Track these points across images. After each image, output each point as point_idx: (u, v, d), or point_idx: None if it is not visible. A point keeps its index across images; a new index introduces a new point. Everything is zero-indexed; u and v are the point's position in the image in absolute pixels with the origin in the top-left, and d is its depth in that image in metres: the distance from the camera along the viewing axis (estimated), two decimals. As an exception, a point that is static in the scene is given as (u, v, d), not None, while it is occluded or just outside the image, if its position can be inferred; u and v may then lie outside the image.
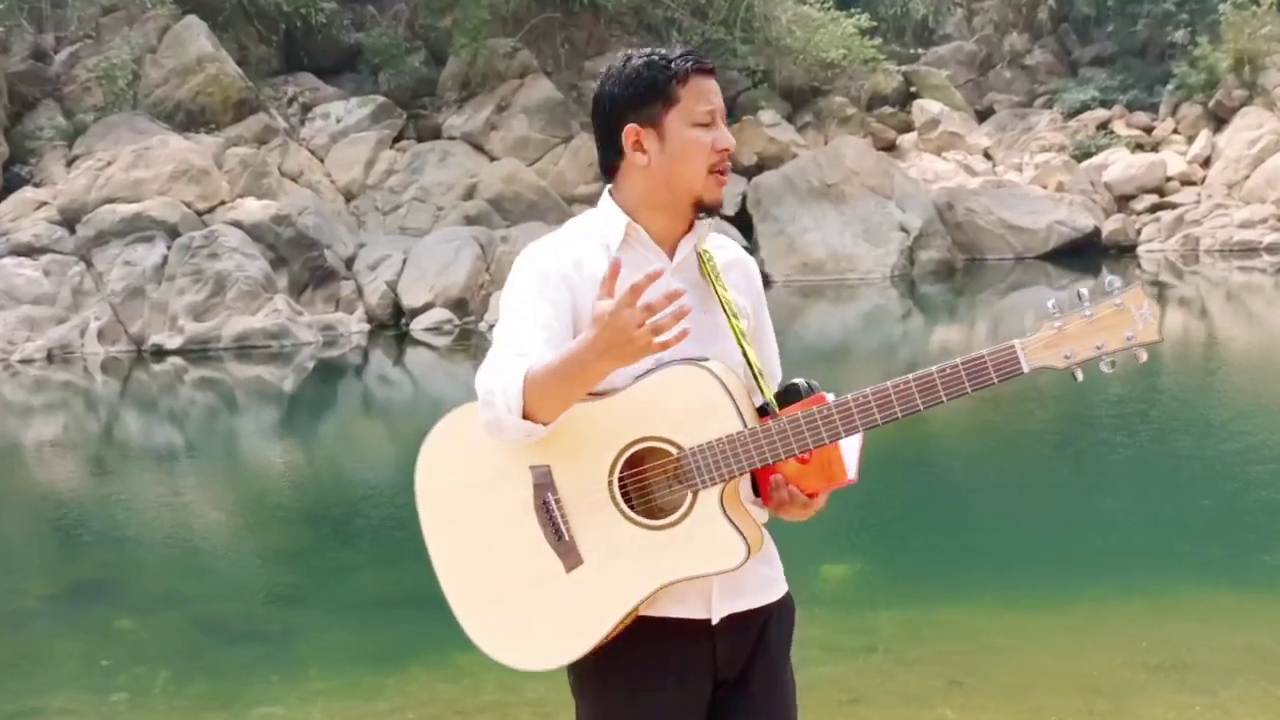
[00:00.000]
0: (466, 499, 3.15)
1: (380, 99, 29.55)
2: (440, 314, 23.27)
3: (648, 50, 3.19)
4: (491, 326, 22.76)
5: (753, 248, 25.82)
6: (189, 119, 27.06)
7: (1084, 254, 28.75)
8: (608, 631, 3.06)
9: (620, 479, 3.03)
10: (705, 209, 3.19)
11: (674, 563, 3.02)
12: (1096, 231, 29.61)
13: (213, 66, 27.61)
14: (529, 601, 3.11)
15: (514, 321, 3.09)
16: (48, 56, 29.03)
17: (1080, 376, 2.95)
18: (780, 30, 32.85)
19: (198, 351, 21.75)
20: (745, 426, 2.98)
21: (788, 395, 3.14)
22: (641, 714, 3.18)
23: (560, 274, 3.12)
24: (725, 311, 3.19)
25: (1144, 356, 2.94)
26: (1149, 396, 15.38)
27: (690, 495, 3.01)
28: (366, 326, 23.40)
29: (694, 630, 3.14)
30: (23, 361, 21.50)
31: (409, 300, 23.81)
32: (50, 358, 21.74)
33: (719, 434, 2.98)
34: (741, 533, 2.99)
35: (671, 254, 3.20)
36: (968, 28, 41.40)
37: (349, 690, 7.27)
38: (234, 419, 17.93)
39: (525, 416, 2.91)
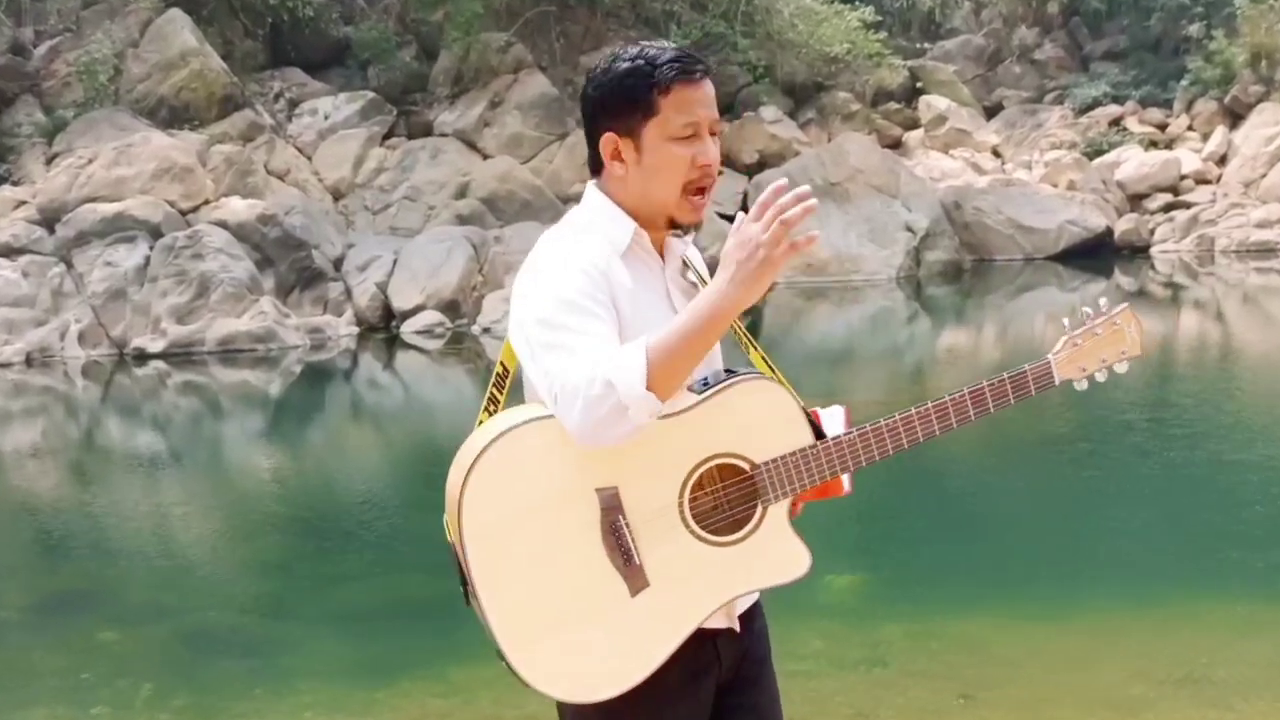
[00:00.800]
0: (523, 527, 3.05)
1: (370, 95, 29.57)
2: (432, 316, 23.25)
3: (634, 52, 3.11)
4: (485, 329, 22.96)
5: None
6: (172, 115, 27.08)
7: (1096, 255, 28.69)
8: (669, 654, 3.05)
9: (698, 495, 3.06)
10: (678, 228, 3.17)
11: (743, 577, 3.12)
12: (1109, 232, 29.57)
13: (197, 61, 27.64)
14: (588, 628, 3.06)
15: (570, 332, 2.95)
16: (26, 50, 29.03)
17: (1083, 387, 3.34)
18: (782, 24, 32.88)
19: (181, 355, 21.73)
20: (817, 436, 3.12)
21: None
22: None
23: (596, 272, 3.04)
24: None
25: (1125, 369, 3.36)
26: (1162, 405, 15.38)
27: (760, 509, 3.08)
28: (355, 329, 23.39)
29: (705, 639, 3.15)
30: (0, 365, 21.50)
31: (399, 302, 23.78)
32: (29, 361, 21.73)
33: (791, 447, 3.09)
34: (806, 543, 3.14)
35: (662, 257, 3.22)
36: (975, 21, 41.45)
37: (338, 704, 7.26)
38: (219, 425, 17.92)
39: (650, 388, 2.83)
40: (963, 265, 28.52)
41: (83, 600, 9.70)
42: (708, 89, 3.09)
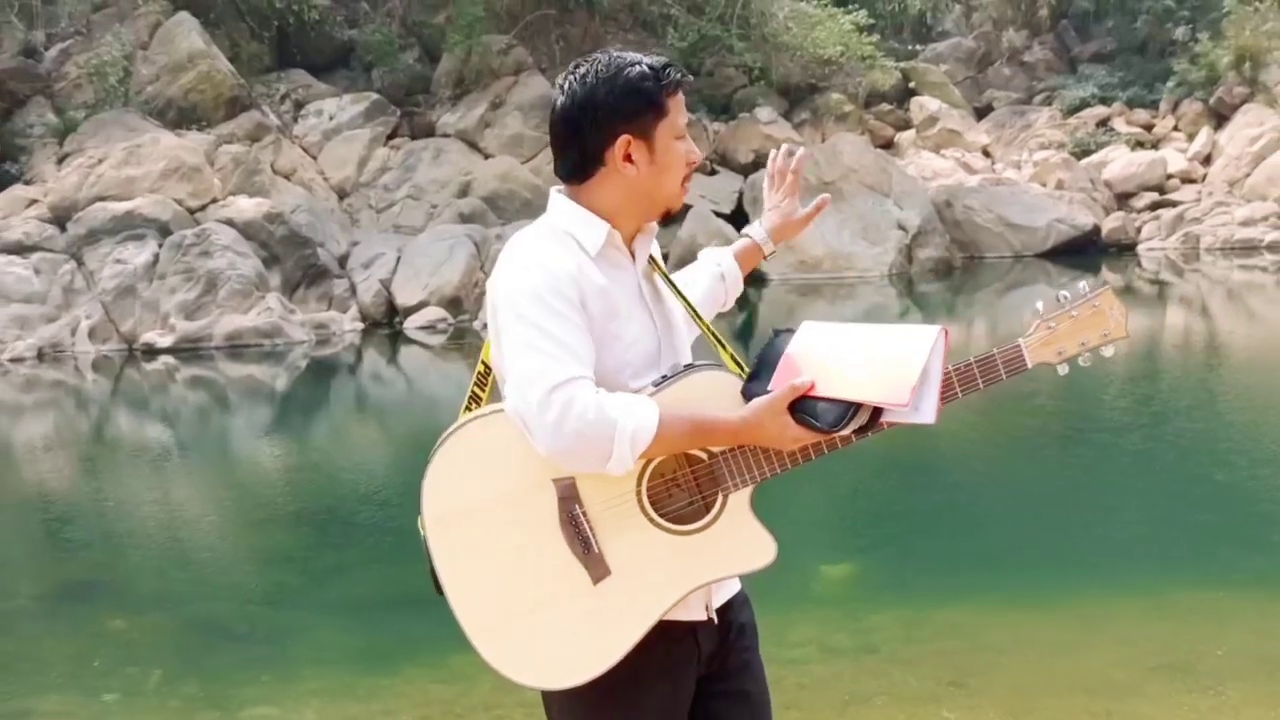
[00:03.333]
0: (483, 517, 3.08)
1: (374, 96, 29.58)
2: (434, 313, 23.27)
3: (631, 58, 3.17)
4: (486, 325, 22.78)
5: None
6: (181, 116, 27.08)
7: (1084, 252, 28.76)
8: (637, 641, 3.05)
9: (654, 484, 3.06)
10: (669, 216, 3.28)
11: (707, 565, 3.07)
12: (1096, 230, 29.60)
13: (204, 63, 27.65)
14: (553, 617, 3.07)
15: (540, 337, 2.99)
16: (38, 53, 29.03)
17: (1064, 370, 3.23)
18: (777, 26, 32.88)
19: (189, 350, 21.74)
20: None
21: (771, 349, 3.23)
22: (629, 711, 3.18)
23: (569, 283, 3.06)
24: (678, 296, 3.33)
25: (1110, 352, 3.24)
26: (1147, 398, 15.40)
27: (720, 498, 3.06)
28: (360, 325, 23.40)
29: (684, 630, 3.17)
30: (13, 360, 21.49)
31: (403, 299, 23.79)
32: (41, 356, 21.74)
33: None
34: (771, 531, 3.07)
35: (631, 256, 3.27)
36: (966, 24, 41.45)
37: (343, 691, 7.27)
38: (226, 418, 17.92)
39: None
40: (953, 262, 28.51)
41: (93, 589, 9.71)
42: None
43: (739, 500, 3.06)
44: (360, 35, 31.34)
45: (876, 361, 3.04)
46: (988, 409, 14.44)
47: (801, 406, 3.00)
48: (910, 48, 39.19)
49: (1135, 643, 7.39)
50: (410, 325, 23.24)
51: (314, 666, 7.77)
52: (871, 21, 35.02)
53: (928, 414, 3.03)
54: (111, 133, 25.58)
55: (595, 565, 3.04)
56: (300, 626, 8.73)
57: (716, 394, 3.09)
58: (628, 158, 3.13)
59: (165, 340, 21.97)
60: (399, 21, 31.82)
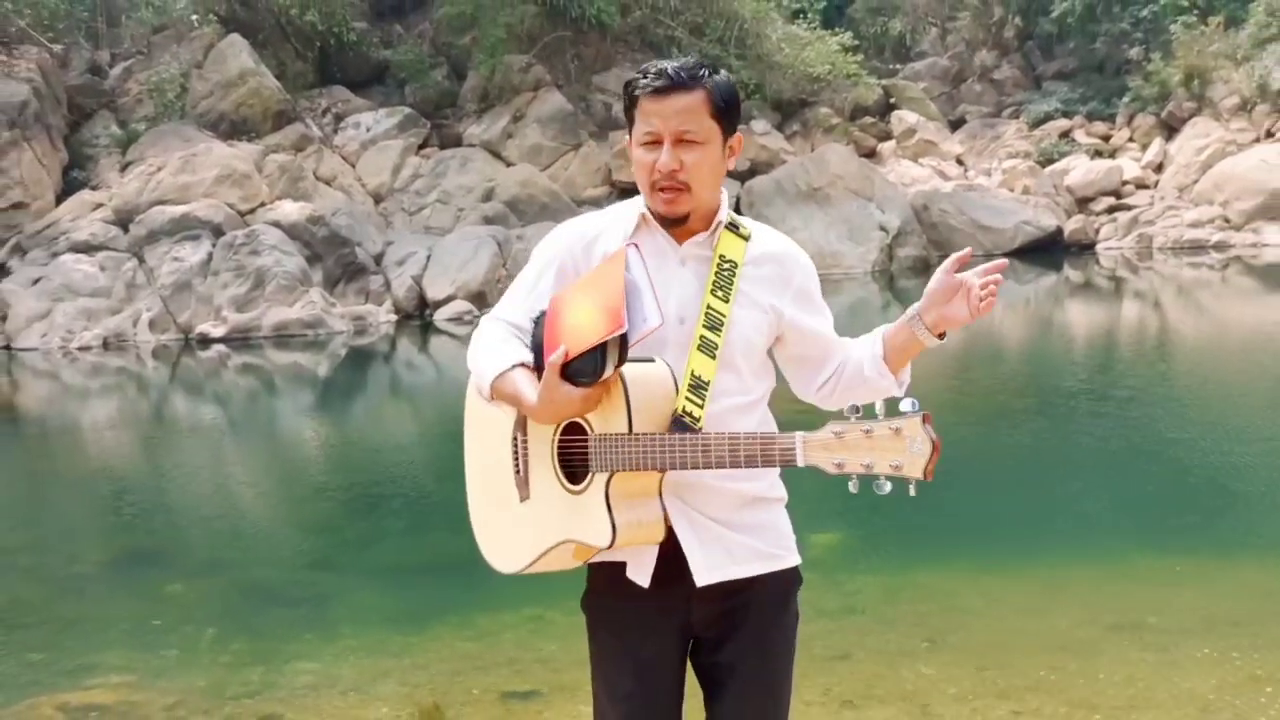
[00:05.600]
0: (482, 426, 3.30)
1: (406, 110, 29.54)
2: (461, 305, 23.26)
3: (643, 68, 3.11)
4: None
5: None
6: (232, 128, 27.09)
7: (1048, 251, 28.75)
8: (529, 563, 3.15)
9: (563, 441, 3.07)
10: (661, 220, 3.13)
11: (568, 525, 3.05)
12: (1059, 231, 29.56)
13: (253, 80, 27.65)
14: (498, 515, 3.23)
15: (516, 286, 3.28)
16: (103, 71, 29.08)
17: (853, 488, 2.74)
18: (771, 47, 32.88)
19: (240, 340, 21.77)
20: (630, 431, 2.93)
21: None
22: (620, 661, 3.21)
23: (567, 249, 3.21)
24: (712, 294, 3.10)
25: (912, 491, 2.68)
26: (1106, 383, 15.38)
27: (590, 474, 3.00)
28: (393, 317, 23.40)
29: (672, 594, 3.13)
30: (81, 349, 21.54)
31: (432, 293, 23.80)
32: (106, 345, 21.78)
33: (614, 429, 2.95)
34: (613, 520, 2.94)
35: (682, 240, 3.16)
36: (942, 45, 41.34)
37: (378, 647, 7.26)
38: (273, 401, 17.92)
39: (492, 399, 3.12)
40: (930, 260, 28.42)
41: (153, 557, 9.71)
42: (675, 102, 3.04)
43: (599, 481, 2.97)
44: (394, 55, 31.31)
45: (596, 303, 2.91)
46: (962, 396, 14.42)
47: (569, 371, 2.91)
48: (891, 66, 39.13)
49: (1093, 604, 7.37)
50: (439, 317, 23.25)
51: (351, 625, 7.76)
52: (856, 43, 35.01)
53: (653, 319, 2.90)
54: (169, 143, 25.61)
55: (522, 487, 3.15)
56: (339, 590, 8.73)
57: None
58: (625, 155, 3.20)
59: (218, 330, 21.99)
60: (429, 42, 31.83)
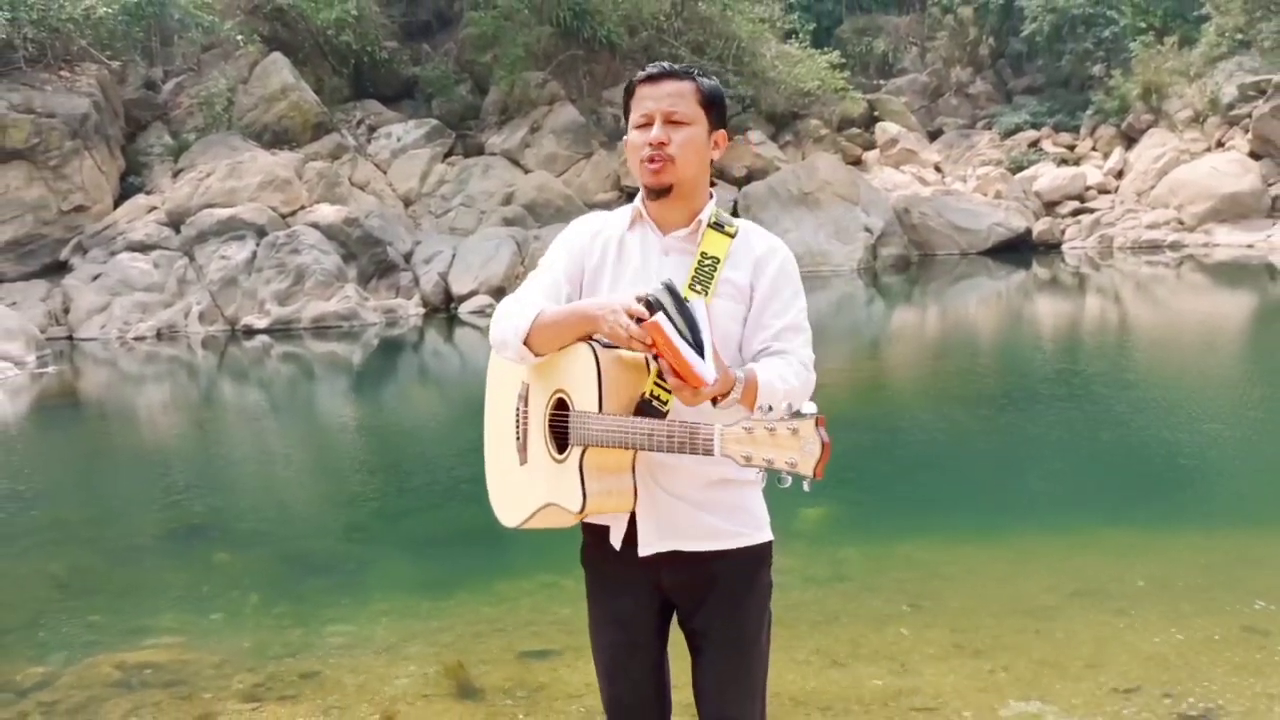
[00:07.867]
0: (496, 393, 3.37)
1: (433, 122, 29.55)
2: (483, 299, 23.26)
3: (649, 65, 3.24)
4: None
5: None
6: (274, 138, 27.09)
7: (1018, 250, 28.91)
8: (524, 519, 3.19)
9: (553, 415, 3.11)
10: (648, 192, 3.19)
11: (552, 489, 3.08)
12: (1028, 231, 29.66)
13: (294, 95, 27.66)
14: (505, 476, 3.30)
15: (534, 273, 3.29)
16: (157, 86, 29.05)
17: (783, 484, 2.69)
18: (765, 65, 32.91)
19: (282, 331, 21.79)
20: (599, 409, 2.95)
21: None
22: (604, 612, 3.30)
23: (578, 236, 3.28)
24: (691, 288, 3.10)
25: (807, 488, 2.64)
26: (1070, 369, 15.36)
27: (570, 445, 3.03)
28: (422, 310, 23.41)
29: (634, 558, 3.16)
30: (136, 339, 21.57)
31: (457, 288, 23.83)
32: (159, 336, 21.81)
33: (588, 407, 2.97)
34: (584, 488, 2.97)
35: (666, 233, 3.21)
36: (921, 63, 41.32)
37: (408, 611, 7.26)
38: (311, 387, 17.92)
39: (526, 344, 3.07)
40: (910, 259, 28.47)
41: (202, 529, 9.71)
42: (666, 86, 3.14)
43: (574, 452, 3.00)
44: (422, 71, 31.33)
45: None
46: (940, 380, 14.39)
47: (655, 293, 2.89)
48: (875, 82, 39.17)
49: (1059, 572, 7.36)
50: (464, 310, 23.27)
51: (383, 591, 7.76)
52: (843, 61, 35.06)
53: (704, 362, 2.84)
54: (217, 152, 25.62)
55: (521, 452, 3.21)
56: (371, 559, 8.72)
57: (584, 363, 3.05)
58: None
59: (262, 322, 22.01)
60: (454, 60, 31.84)
